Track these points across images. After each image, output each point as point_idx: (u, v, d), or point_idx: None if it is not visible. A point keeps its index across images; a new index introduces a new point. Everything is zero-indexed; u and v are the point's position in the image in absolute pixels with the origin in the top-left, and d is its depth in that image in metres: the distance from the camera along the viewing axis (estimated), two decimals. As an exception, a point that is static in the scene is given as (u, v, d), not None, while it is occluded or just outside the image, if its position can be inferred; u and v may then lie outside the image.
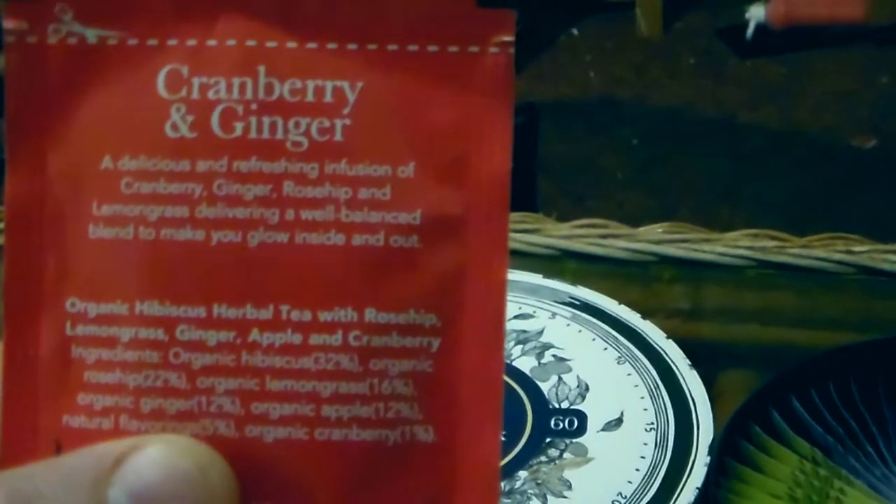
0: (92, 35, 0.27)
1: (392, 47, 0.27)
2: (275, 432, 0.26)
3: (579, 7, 2.33)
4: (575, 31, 2.32)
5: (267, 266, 0.26)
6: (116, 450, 0.25)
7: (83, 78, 0.27)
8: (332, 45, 0.27)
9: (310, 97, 0.27)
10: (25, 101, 0.27)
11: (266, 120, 0.27)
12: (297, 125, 0.27)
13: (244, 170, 0.26)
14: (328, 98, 0.27)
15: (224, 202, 0.26)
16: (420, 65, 0.27)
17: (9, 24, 0.27)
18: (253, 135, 0.27)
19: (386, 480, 0.26)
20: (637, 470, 0.52)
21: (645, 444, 0.54)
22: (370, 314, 0.26)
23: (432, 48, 0.27)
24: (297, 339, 0.26)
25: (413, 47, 0.27)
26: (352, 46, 0.27)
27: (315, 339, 0.26)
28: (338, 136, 0.27)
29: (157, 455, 0.25)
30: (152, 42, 0.27)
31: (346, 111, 0.27)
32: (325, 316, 0.26)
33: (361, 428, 0.26)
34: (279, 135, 0.27)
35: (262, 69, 0.27)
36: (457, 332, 0.27)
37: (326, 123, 0.27)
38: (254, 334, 0.26)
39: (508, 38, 0.27)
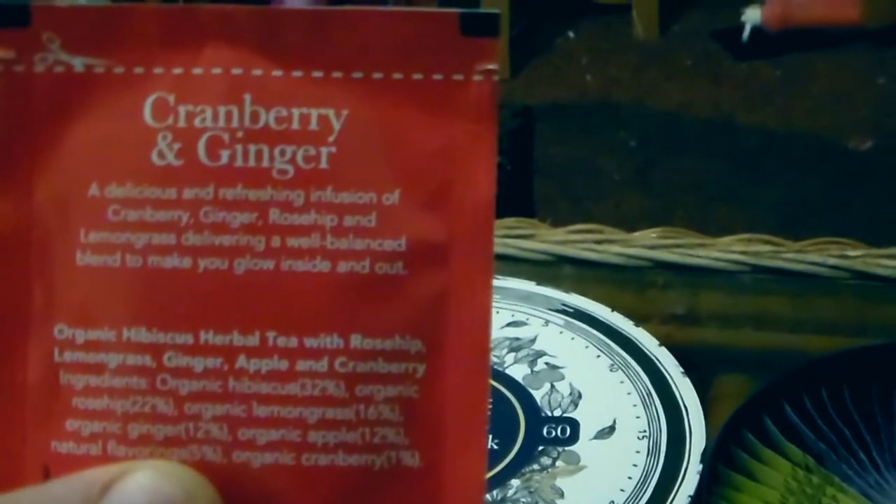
0: (79, 63, 0.27)
1: (377, 75, 0.27)
2: (262, 458, 0.26)
3: (575, 10, 2.33)
4: (571, 34, 2.32)
5: (253, 293, 0.26)
6: (104, 476, 0.25)
7: (70, 106, 0.27)
8: (317, 74, 0.27)
9: (295, 125, 0.27)
10: (13, 129, 0.27)
11: (252, 148, 0.27)
12: (282, 153, 0.27)
13: (230, 197, 0.27)
14: (313, 126, 0.27)
15: (210, 230, 0.27)
16: (405, 93, 0.27)
17: None
18: (239, 163, 0.27)
19: None
20: (629, 478, 0.52)
21: (637, 451, 0.54)
22: (356, 340, 0.26)
23: (417, 76, 0.27)
24: (283, 365, 0.26)
25: (398, 75, 0.27)
26: (337, 74, 0.27)
27: (301, 366, 0.26)
28: (323, 164, 0.27)
29: (144, 481, 0.25)
30: (139, 70, 0.27)
31: (331, 139, 0.27)
32: (311, 342, 0.26)
33: (348, 453, 0.26)
34: (265, 163, 0.27)
35: (247, 97, 0.27)
36: (442, 357, 0.27)
37: (312, 151, 0.27)
38: (240, 361, 0.26)
39: (492, 65, 0.27)
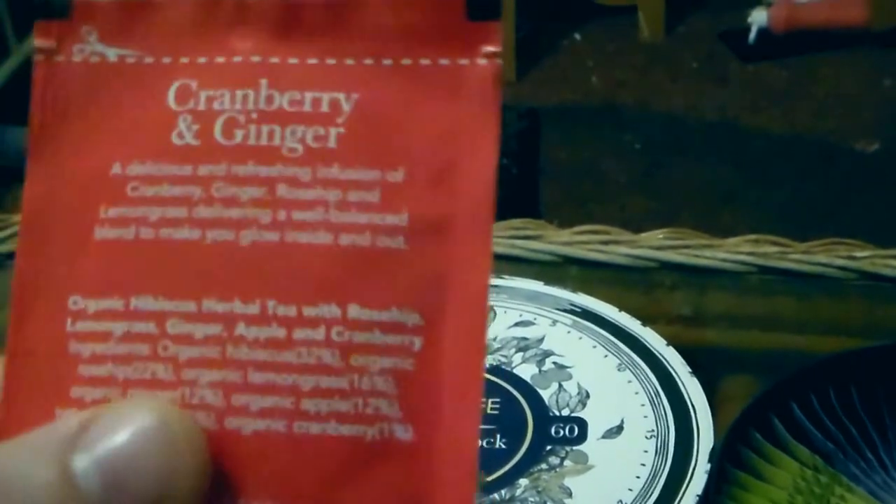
0: (112, 54, 0.29)
1: (387, 62, 0.28)
2: (254, 424, 0.27)
3: (581, 12, 2.34)
4: (577, 36, 2.32)
5: (257, 263, 0.27)
6: (80, 416, 0.26)
7: (101, 92, 0.29)
8: (330, 61, 0.28)
9: (307, 107, 0.28)
10: (49, 113, 0.29)
11: (265, 128, 0.28)
12: (293, 133, 0.28)
13: (241, 173, 0.28)
14: (324, 108, 0.28)
15: (221, 203, 0.27)
16: (413, 77, 0.28)
17: (39, 42, 0.29)
18: (252, 141, 0.28)
19: (363, 476, 0.27)
20: (637, 477, 0.52)
21: (645, 451, 0.54)
22: (353, 311, 0.27)
23: (424, 62, 0.28)
24: (281, 333, 0.27)
25: (406, 61, 0.28)
26: (349, 61, 0.28)
27: (298, 334, 0.27)
28: (331, 143, 0.28)
29: (117, 416, 0.25)
30: (166, 60, 0.29)
31: (340, 120, 0.28)
32: (309, 311, 0.27)
33: (340, 422, 0.27)
34: (276, 141, 0.28)
35: (264, 82, 0.28)
36: (439, 331, 0.27)
37: (321, 131, 0.28)
38: (240, 328, 0.27)
39: (496, 48, 0.28)
